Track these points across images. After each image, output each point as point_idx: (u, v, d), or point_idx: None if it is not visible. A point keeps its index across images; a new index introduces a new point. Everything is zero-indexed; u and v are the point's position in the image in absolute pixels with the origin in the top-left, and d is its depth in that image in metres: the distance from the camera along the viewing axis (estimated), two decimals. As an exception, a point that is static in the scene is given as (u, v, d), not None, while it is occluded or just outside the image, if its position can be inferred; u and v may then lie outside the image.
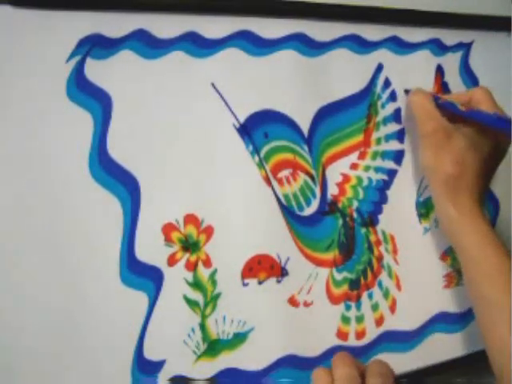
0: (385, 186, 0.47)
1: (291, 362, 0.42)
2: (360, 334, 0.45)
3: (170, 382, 0.38)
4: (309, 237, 0.43)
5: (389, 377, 0.36)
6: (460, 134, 0.43)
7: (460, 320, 0.50)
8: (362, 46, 0.46)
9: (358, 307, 0.45)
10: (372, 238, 0.46)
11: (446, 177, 0.42)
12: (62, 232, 0.35)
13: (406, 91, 0.48)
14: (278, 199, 0.42)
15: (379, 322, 0.46)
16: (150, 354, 0.38)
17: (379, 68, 0.47)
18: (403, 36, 0.48)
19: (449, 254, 0.50)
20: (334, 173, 0.45)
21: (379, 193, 0.47)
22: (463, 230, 0.42)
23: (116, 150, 0.37)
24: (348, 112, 0.45)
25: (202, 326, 0.39)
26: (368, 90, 0.46)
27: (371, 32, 0.46)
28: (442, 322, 0.49)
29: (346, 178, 0.45)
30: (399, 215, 0.48)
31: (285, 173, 0.43)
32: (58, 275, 0.35)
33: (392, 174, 0.48)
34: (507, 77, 0.53)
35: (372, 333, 0.46)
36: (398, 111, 0.48)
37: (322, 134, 0.44)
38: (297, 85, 0.43)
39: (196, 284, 0.39)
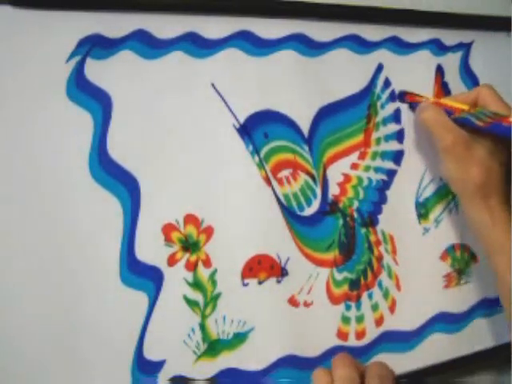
0: (384, 186, 0.47)
1: (291, 362, 0.42)
2: (360, 334, 0.45)
3: (170, 382, 0.38)
4: (309, 237, 0.43)
5: (388, 378, 0.36)
6: (479, 143, 0.43)
7: (460, 320, 0.50)
8: (361, 46, 0.46)
9: (358, 307, 0.45)
10: (372, 238, 0.46)
11: (474, 187, 0.42)
12: (61, 232, 0.35)
13: (401, 94, 0.48)
14: (278, 199, 0.42)
15: (379, 322, 0.46)
16: (150, 353, 0.38)
17: (379, 68, 0.47)
18: (403, 36, 0.48)
19: (449, 254, 0.50)
20: (335, 173, 0.45)
21: (379, 193, 0.47)
22: (497, 232, 0.42)
23: (116, 150, 0.37)
24: (348, 112, 0.45)
25: (202, 326, 0.39)
26: (368, 90, 0.46)
27: (371, 32, 0.46)
28: (441, 321, 0.49)
29: (347, 178, 0.45)
30: (398, 215, 0.48)
31: (285, 173, 0.43)
32: (58, 275, 0.35)
33: (391, 174, 0.48)
34: (507, 77, 0.53)
35: (372, 333, 0.46)
36: (397, 111, 0.48)
37: (323, 134, 0.44)
38: (297, 85, 0.43)
39: (196, 284, 0.39)
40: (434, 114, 0.44)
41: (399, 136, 0.48)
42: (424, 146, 0.49)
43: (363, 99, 0.46)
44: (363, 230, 0.46)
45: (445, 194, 0.50)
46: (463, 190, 0.43)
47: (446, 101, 0.47)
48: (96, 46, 0.36)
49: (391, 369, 0.38)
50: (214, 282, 0.40)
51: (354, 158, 0.46)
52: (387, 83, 0.47)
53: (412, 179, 0.49)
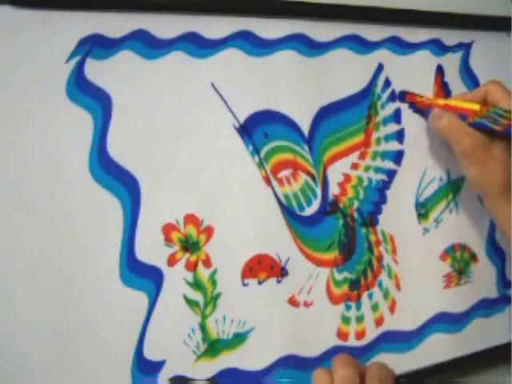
0: (384, 186, 0.47)
1: (291, 362, 0.42)
2: (360, 334, 0.45)
3: (170, 382, 0.38)
4: (309, 237, 0.43)
5: (388, 379, 0.36)
6: (495, 143, 0.44)
7: (460, 320, 0.50)
8: (362, 45, 0.46)
9: (358, 307, 0.45)
10: (372, 238, 0.46)
11: (499, 187, 0.43)
12: (61, 232, 0.35)
13: (402, 94, 0.48)
14: (278, 199, 0.42)
15: (379, 322, 0.46)
16: (150, 354, 0.38)
17: (379, 68, 0.47)
18: (403, 36, 0.48)
19: (449, 254, 0.50)
20: (336, 173, 0.45)
21: (379, 193, 0.47)
22: None
23: (116, 149, 0.37)
24: (348, 112, 0.45)
25: (202, 326, 0.39)
26: (368, 90, 0.46)
27: (371, 32, 0.46)
28: (441, 321, 0.49)
29: (348, 178, 0.45)
30: (398, 215, 0.48)
31: (285, 173, 0.43)
32: (58, 275, 0.35)
33: (391, 174, 0.48)
34: (507, 77, 0.53)
35: (372, 333, 0.46)
36: (397, 111, 0.48)
37: (323, 134, 0.44)
38: (297, 85, 0.43)
39: (196, 284, 0.39)
40: (449, 120, 0.45)
41: (399, 136, 0.48)
42: (424, 145, 0.49)
43: (363, 99, 0.46)
44: (363, 230, 0.46)
45: (445, 193, 0.50)
46: (487, 190, 0.44)
47: (455, 102, 0.47)
48: (96, 45, 0.36)
49: (391, 369, 0.38)
50: (214, 282, 0.40)
51: (354, 157, 0.46)
52: (387, 83, 0.47)
53: (412, 179, 0.49)
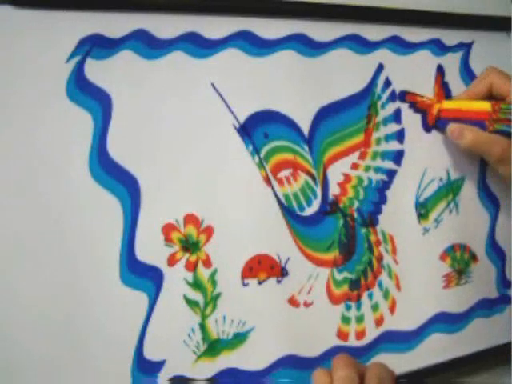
0: (384, 186, 0.47)
1: (291, 362, 0.42)
2: (360, 334, 0.45)
3: (170, 382, 0.38)
4: (310, 237, 0.43)
5: (388, 379, 0.36)
6: None
7: (460, 320, 0.50)
8: (362, 45, 0.46)
9: (358, 307, 0.45)
10: (372, 238, 0.46)
11: None
12: (61, 232, 0.35)
13: (402, 94, 0.48)
14: (278, 199, 0.42)
15: (379, 322, 0.46)
16: (150, 354, 0.38)
17: (380, 68, 0.47)
18: (404, 36, 0.48)
19: (448, 254, 0.50)
20: (336, 173, 0.45)
21: (379, 193, 0.47)
22: None
23: (116, 149, 0.37)
24: (348, 112, 0.45)
25: (202, 326, 0.39)
26: (368, 90, 0.46)
27: (372, 32, 0.46)
28: (441, 322, 0.49)
29: (348, 178, 0.45)
30: (398, 215, 0.48)
31: (285, 173, 0.43)
32: (58, 275, 0.35)
33: (391, 174, 0.48)
34: (507, 77, 0.53)
35: (372, 333, 0.46)
36: (397, 111, 0.48)
37: (323, 134, 0.44)
38: (297, 85, 0.43)
39: (196, 284, 0.39)
40: (473, 136, 0.46)
41: (399, 136, 0.48)
42: (424, 145, 0.49)
43: (363, 99, 0.46)
44: (363, 230, 0.46)
45: (445, 194, 0.50)
46: None
47: (463, 104, 0.47)
48: (96, 45, 0.36)
49: (391, 370, 0.38)
50: (214, 282, 0.40)
51: (354, 157, 0.46)
52: (388, 83, 0.47)
53: (412, 179, 0.49)
